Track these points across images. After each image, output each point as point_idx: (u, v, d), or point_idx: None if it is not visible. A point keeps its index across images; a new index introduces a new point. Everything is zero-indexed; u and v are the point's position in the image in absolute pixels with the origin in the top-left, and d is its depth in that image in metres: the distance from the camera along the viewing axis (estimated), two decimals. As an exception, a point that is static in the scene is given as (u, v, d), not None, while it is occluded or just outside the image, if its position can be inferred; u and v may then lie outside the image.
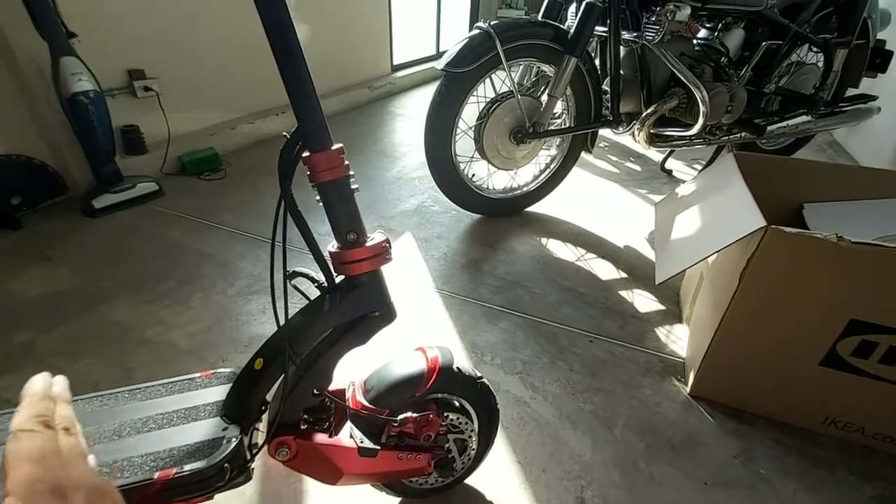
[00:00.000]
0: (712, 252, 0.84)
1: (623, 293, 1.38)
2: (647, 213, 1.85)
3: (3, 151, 1.59)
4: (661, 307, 1.33)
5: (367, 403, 0.65)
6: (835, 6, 1.74)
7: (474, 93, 1.45)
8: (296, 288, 0.61)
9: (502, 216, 1.77)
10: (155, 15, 1.88)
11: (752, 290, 0.86)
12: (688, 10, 1.34)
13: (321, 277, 0.61)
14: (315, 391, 0.62)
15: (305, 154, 0.53)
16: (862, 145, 2.50)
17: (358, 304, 0.60)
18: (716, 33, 1.61)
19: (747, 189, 0.90)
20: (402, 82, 3.62)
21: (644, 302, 1.35)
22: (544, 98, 1.50)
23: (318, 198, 0.56)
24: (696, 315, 1.12)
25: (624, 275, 1.47)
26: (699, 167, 2.25)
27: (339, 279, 0.60)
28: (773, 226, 0.77)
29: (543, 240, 1.65)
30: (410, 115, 3.00)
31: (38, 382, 0.30)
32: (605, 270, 1.49)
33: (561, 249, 1.60)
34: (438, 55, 4.30)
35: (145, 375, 1.02)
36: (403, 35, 3.70)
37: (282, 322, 0.57)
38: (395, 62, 3.65)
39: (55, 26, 1.48)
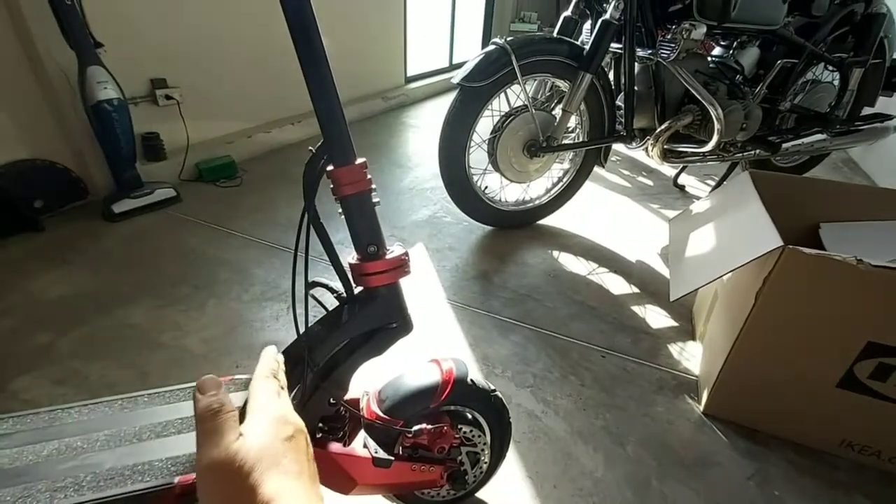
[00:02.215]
0: (728, 271, 0.84)
1: (635, 308, 1.38)
2: (660, 227, 1.85)
3: (28, 156, 1.63)
4: (674, 323, 1.32)
5: (381, 414, 0.65)
6: (851, 26, 1.74)
7: (489, 106, 1.47)
8: (315, 298, 0.62)
9: (514, 228, 1.78)
10: (178, 27, 1.94)
11: (768, 310, 0.85)
12: (703, 29, 1.35)
13: (340, 288, 0.62)
14: (331, 400, 0.62)
15: (330, 168, 0.55)
16: (878, 164, 2.48)
17: (376, 316, 0.61)
18: (731, 51, 1.62)
19: (764, 208, 0.90)
20: (416, 93, 3.66)
21: (656, 318, 1.34)
22: (558, 112, 1.52)
23: (339, 210, 0.57)
24: (710, 333, 1.11)
25: (636, 290, 1.47)
26: (712, 183, 2.24)
27: (357, 290, 0.61)
28: (790, 246, 0.77)
29: (555, 253, 1.65)
30: (423, 126, 3.03)
31: (271, 349, 0.46)
32: (618, 285, 1.49)
33: (573, 263, 1.60)
34: (452, 67, 4.36)
35: (160, 379, 1.04)
36: (417, 47, 3.76)
37: (301, 331, 0.58)
38: (409, 74, 3.70)
39: (83, 37, 1.53)
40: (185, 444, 0.58)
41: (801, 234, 1.15)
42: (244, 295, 1.34)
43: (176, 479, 0.53)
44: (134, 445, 0.58)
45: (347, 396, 0.66)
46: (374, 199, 0.58)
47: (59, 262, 1.44)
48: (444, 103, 1.44)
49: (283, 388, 0.42)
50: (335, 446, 0.63)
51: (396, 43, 3.41)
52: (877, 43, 1.76)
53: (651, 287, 1.48)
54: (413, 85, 3.68)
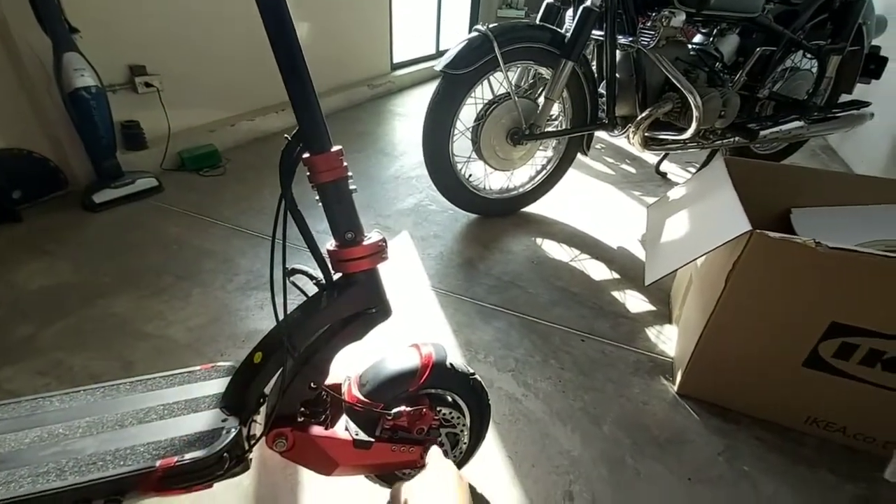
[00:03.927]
0: (700, 255, 0.87)
1: (615, 294, 1.41)
2: (641, 214, 1.88)
3: (5, 145, 1.60)
4: (652, 308, 1.35)
5: (362, 397, 0.67)
6: (829, 13, 1.77)
7: (472, 94, 1.47)
8: (294, 285, 0.63)
9: (498, 216, 1.79)
10: (156, 12, 1.90)
11: (738, 293, 0.88)
12: (683, 17, 1.37)
13: (319, 275, 0.63)
14: (312, 385, 0.64)
15: (305, 156, 0.55)
16: (855, 150, 2.53)
17: (355, 301, 0.62)
18: (711, 39, 1.64)
19: (735, 194, 0.93)
20: (402, 81, 3.63)
21: (636, 303, 1.37)
22: (541, 100, 1.52)
23: (317, 197, 0.58)
24: (684, 316, 1.15)
25: (617, 276, 1.50)
26: (693, 170, 2.27)
27: (336, 276, 0.62)
28: (757, 230, 0.79)
29: (538, 240, 1.67)
30: (410, 114, 3.02)
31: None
32: (599, 271, 1.51)
33: (556, 250, 1.62)
34: (438, 54, 4.32)
35: (145, 369, 1.04)
36: (403, 33, 3.72)
37: (281, 317, 0.59)
38: (395, 61, 3.67)
39: (58, 22, 1.49)
40: (167, 429, 0.60)
41: (774, 219, 1.18)
42: (228, 284, 1.34)
43: (157, 463, 0.54)
44: (115, 431, 0.59)
45: (330, 381, 0.67)
46: (351, 187, 0.59)
47: (39, 254, 1.42)
48: (430, 91, 1.44)
49: None
50: (317, 429, 0.65)
51: (382, 29, 3.37)
52: (855, 29, 1.78)
53: (631, 273, 1.51)
54: (399, 72, 3.64)
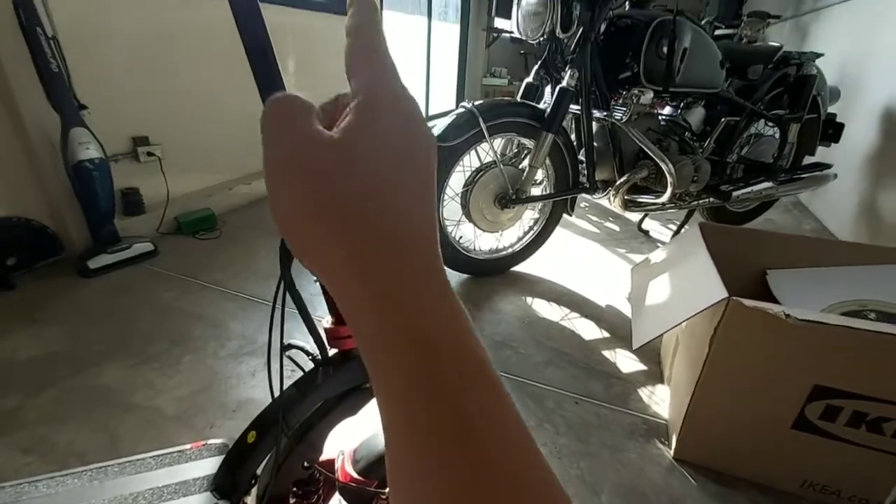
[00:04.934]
0: (681, 321, 0.90)
1: (606, 353, 1.43)
2: (627, 272, 1.93)
3: (5, 214, 1.63)
4: (644, 367, 1.37)
5: (355, 475, 0.67)
6: (785, 86, 1.94)
7: (461, 162, 1.56)
8: (291, 359, 0.64)
9: (489, 276, 1.83)
10: (159, 89, 2.01)
11: (722, 356, 0.91)
12: (651, 95, 1.50)
13: (315, 349, 0.65)
14: (305, 464, 0.64)
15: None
16: (824, 206, 2.67)
17: (350, 377, 0.63)
18: (679, 110, 1.77)
19: (711, 261, 0.98)
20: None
21: (627, 362, 1.39)
22: (525, 165, 1.62)
23: (314, 278, 0.61)
24: (674, 377, 1.16)
25: (606, 334, 1.52)
26: (674, 227, 2.37)
27: (332, 352, 0.64)
28: (733, 297, 0.84)
29: (528, 299, 1.71)
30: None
31: None
32: (589, 330, 1.54)
33: (545, 309, 1.65)
34: (428, 118, 4.55)
35: (131, 443, 1.02)
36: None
37: (276, 394, 0.60)
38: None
39: (68, 101, 1.58)
40: (157, 515, 0.59)
41: (751, 279, 1.23)
42: (220, 350, 1.33)
43: (147, 553, 0.53)
44: (105, 519, 0.58)
45: (323, 457, 0.67)
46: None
47: (30, 322, 1.42)
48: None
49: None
50: (309, 510, 0.64)
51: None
52: (810, 100, 1.95)
53: (620, 331, 1.53)
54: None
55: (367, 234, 0.18)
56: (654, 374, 1.34)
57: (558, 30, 1.46)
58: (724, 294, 0.85)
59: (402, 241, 0.18)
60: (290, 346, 0.66)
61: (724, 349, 0.90)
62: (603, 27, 1.51)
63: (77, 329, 1.40)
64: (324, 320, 0.64)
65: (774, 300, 1.16)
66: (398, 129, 0.20)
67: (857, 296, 1.10)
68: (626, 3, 1.50)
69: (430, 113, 4.60)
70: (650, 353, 1.42)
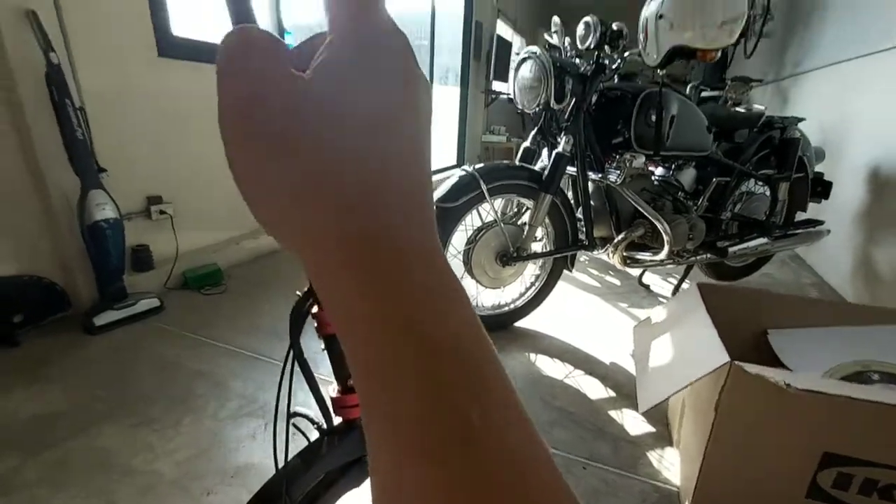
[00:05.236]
0: (685, 385, 0.91)
1: (612, 413, 1.40)
2: (629, 327, 1.93)
3: (16, 272, 1.67)
4: (652, 429, 1.34)
5: (358, 551, 0.65)
6: (771, 148, 2.04)
7: (462, 222, 1.62)
8: (296, 427, 0.65)
9: (491, 331, 1.81)
10: (174, 152, 2.12)
11: (729, 421, 0.90)
12: (642, 159, 1.58)
13: (320, 418, 0.65)
14: (308, 539, 0.62)
15: (315, 310, 0.62)
16: (821, 259, 2.71)
17: (355, 447, 0.64)
18: (671, 171, 1.86)
19: (711, 322, 1.00)
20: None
21: (634, 423, 1.36)
22: (525, 224, 1.67)
23: (322, 347, 0.63)
24: (683, 442, 1.14)
25: (612, 393, 1.50)
26: (674, 280, 2.39)
27: (337, 421, 0.65)
28: (735, 362, 0.84)
29: (532, 356, 1.70)
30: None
31: None
32: (594, 388, 1.52)
33: (549, 366, 1.64)
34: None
35: (126, 512, 0.99)
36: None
37: (280, 465, 0.60)
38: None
39: (89, 165, 1.67)
40: None
41: (752, 339, 1.24)
42: (220, 411, 1.32)
43: None
44: None
45: (324, 531, 0.66)
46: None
47: (33, 379, 1.41)
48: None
49: None
50: (309, 590, 0.62)
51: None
52: (797, 161, 2.04)
53: (625, 389, 1.52)
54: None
55: (355, 198, 0.15)
56: (663, 436, 1.31)
57: (552, 101, 1.56)
58: (726, 358, 0.86)
59: (399, 208, 0.16)
60: (296, 415, 0.67)
61: (729, 414, 0.89)
62: (594, 98, 1.62)
63: (79, 387, 1.39)
64: (330, 388, 0.65)
65: (777, 360, 1.16)
66: (389, 66, 0.17)
67: (860, 356, 1.10)
68: (615, 76, 1.61)
69: (434, 167, 4.77)
70: (657, 414, 1.40)
